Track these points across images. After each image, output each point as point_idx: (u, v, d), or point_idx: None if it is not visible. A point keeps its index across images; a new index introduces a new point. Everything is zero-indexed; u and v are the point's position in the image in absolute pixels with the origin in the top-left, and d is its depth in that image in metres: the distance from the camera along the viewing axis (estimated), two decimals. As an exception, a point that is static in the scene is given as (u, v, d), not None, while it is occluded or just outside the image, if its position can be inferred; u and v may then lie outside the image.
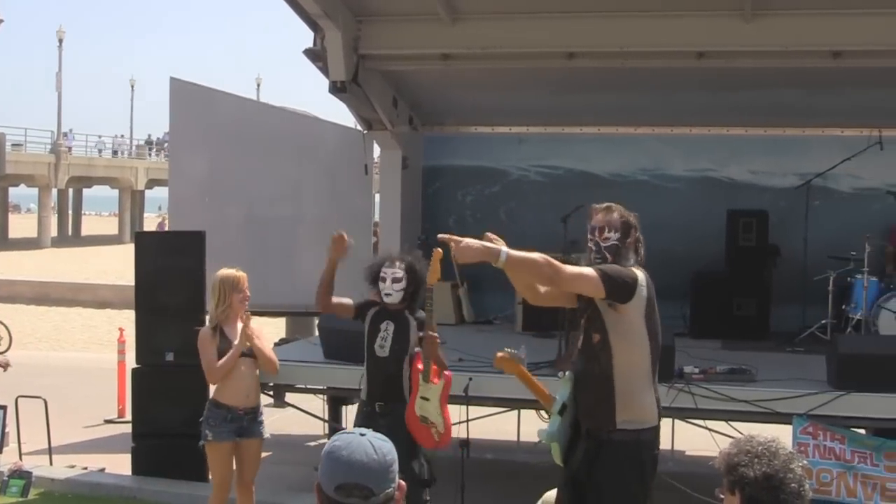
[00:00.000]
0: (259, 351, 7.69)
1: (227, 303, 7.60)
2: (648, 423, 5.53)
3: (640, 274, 5.55)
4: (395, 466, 2.91)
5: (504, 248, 5.18)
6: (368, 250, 13.59)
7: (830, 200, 12.61)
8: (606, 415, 5.49)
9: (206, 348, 7.62)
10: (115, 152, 66.28)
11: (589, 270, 5.41)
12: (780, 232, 12.41)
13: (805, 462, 3.36)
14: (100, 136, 65.90)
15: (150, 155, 68.45)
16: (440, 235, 5.36)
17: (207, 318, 7.76)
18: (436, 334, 6.95)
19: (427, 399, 7.01)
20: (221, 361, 7.53)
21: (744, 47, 10.72)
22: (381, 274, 7.10)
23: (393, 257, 7.22)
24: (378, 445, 2.91)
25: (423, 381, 6.98)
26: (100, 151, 64.01)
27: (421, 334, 7.04)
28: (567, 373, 5.82)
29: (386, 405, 7.08)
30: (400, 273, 7.05)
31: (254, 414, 7.71)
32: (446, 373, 7.00)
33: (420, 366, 7.01)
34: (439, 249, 6.53)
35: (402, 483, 2.91)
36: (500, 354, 6.05)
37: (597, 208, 5.74)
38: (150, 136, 73.84)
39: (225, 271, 7.70)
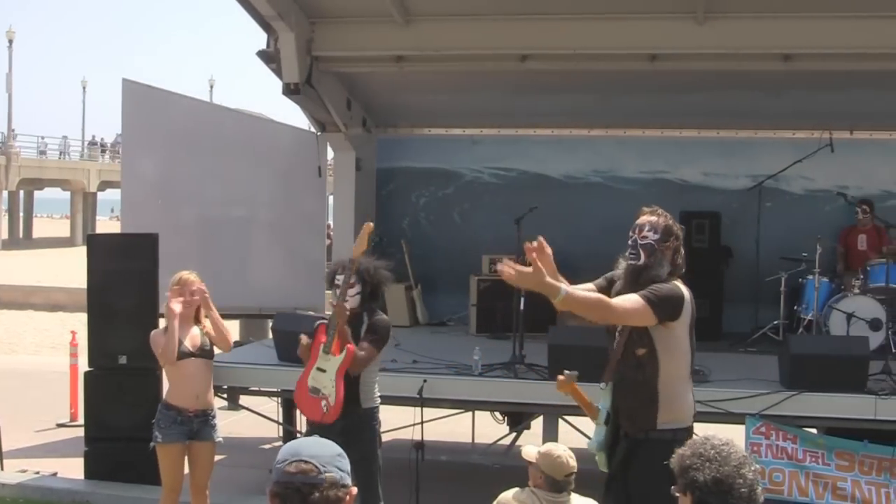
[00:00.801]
0: (214, 319, 7.63)
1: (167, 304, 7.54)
2: (685, 423, 5.59)
3: (685, 290, 5.60)
4: (346, 463, 2.93)
5: (564, 287, 5.10)
6: (322, 252, 13.59)
7: (782, 202, 12.72)
8: (648, 418, 5.56)
9: (157, 342, 7.53)
10: (61, 153, 65.26)
11: (638, 304, 5.39)
12: (732, 233, 12.51)
13: (757, 466, 3.39)
14: (42, 137, 64.58)
15: (101, 156, 67.53)
16: (502, 261, 5.19)
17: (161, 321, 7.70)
18: (346, 305, 6.94)
19: (324, 371, 6.94)
20: (167, 336, 7.43)
21: (696, 50, 10.79)
22: (336, 281, 7.09)
23: (344, 264, 7.19)
24: (328, 442, 2.97)
25: (324, 353, 6.94)
26: (42, 153, 62.82)
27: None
28: (609, 384, 5.79)
29: (342, 409, 7.02)
30: (353, 279, 7.02)
31: (205, 417, 7.61)
32: (349, 346, 6.89)
33: (323, 338, 6.98)
34: (370, 224, 7.00)
35: (353, 489, 2.90)
36: (561, 378, 5.99)
37: (644, 210, 5.79)
38: (94, 136, 72.82)
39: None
